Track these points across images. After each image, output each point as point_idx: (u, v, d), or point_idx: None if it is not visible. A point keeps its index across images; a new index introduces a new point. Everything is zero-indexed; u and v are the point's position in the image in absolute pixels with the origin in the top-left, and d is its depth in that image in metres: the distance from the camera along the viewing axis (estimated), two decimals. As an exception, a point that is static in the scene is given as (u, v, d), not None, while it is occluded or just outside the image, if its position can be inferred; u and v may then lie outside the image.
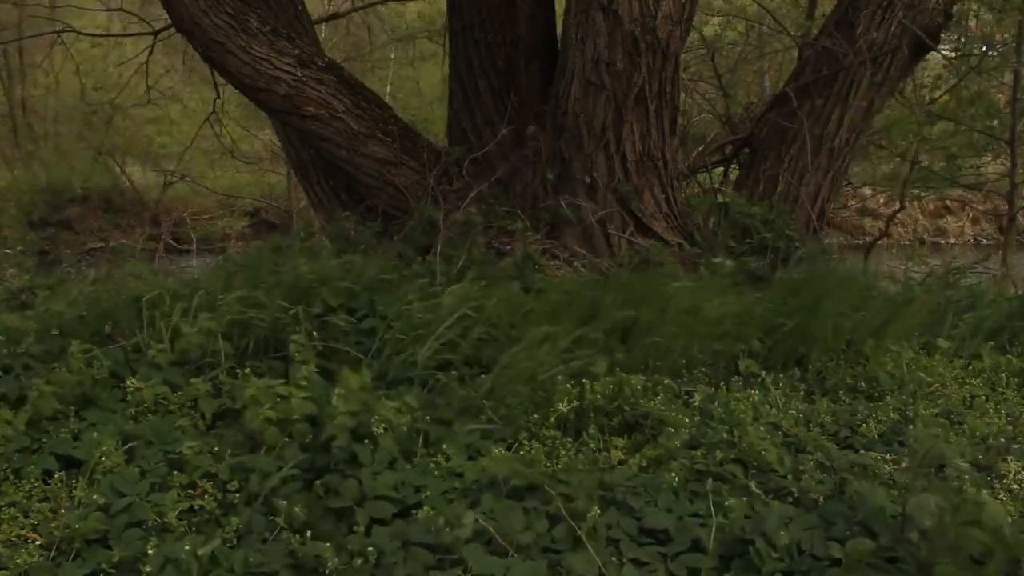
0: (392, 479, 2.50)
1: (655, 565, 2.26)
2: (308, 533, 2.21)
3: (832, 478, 2.83)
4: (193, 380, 3.02)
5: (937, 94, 10.31)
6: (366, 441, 2.63)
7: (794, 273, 4.80)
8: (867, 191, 14.36)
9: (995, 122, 10.42)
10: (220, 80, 6.93)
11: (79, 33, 8.93)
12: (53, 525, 2.26)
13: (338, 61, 6.34)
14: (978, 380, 4.04)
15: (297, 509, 2.31)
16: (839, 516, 2.46)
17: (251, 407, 2.66)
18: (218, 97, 7.88)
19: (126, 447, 2.63)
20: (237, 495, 2.45)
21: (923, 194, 12.76)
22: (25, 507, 2.39)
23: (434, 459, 2.73)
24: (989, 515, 2.07)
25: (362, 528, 2.26)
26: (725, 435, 2.99)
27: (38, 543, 2.22)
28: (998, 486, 2.86)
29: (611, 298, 3.87)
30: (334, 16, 10.42)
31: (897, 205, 11.48)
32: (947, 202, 18.70)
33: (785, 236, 5.41)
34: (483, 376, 3.24)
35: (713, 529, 2.35)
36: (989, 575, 2.01)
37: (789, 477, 2.80)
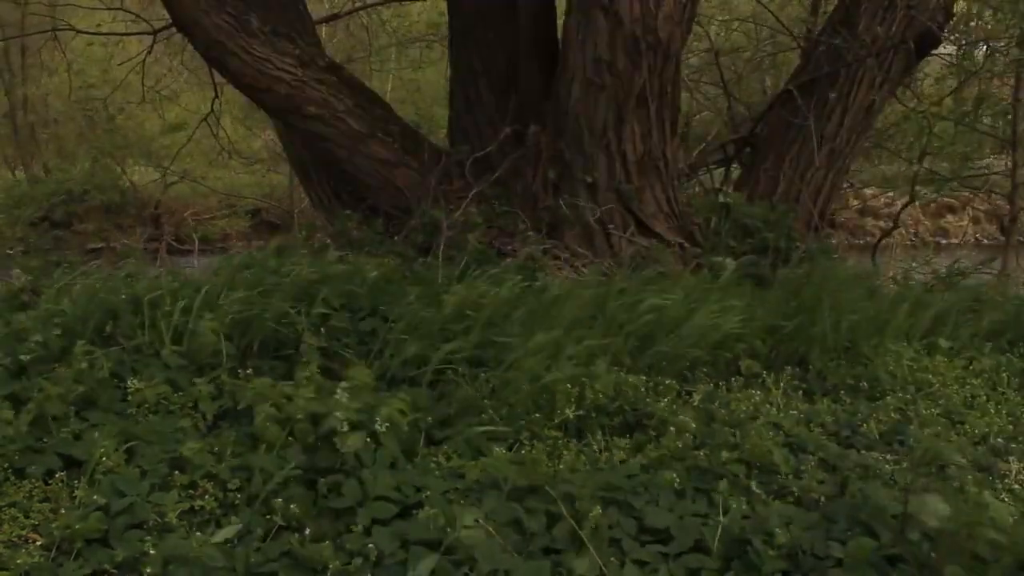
0: (394, 479, 2.50)
1: (656, 565, 2.25)
2: (307, 532, 2.21)
3: (833, 478, 2.83)
4: (195, 380, 3.01)
5: (939, 96, 10.27)
6: (368, 440, 2.63)
7: (795, 273, 4.79)
8: (868, 191, 14.31)
9: (998, 122, 10.40)
10: (219, 80, 6.92)
11: (77, 31, 8.91)
12: (54, 525, 2.26)
13: (340, 62, 6.33)
14: (979, 380, 4.03)
15: (297, 508, 2.31)
16: (841, 516, 2.45)
17: (257, 407, 2.66)
18: (216, 97, 7.87)
19: (127, 447, 2.63)
20: (239, 495, 2.45)
21: (935, 195, 12.68)
22: (26, 507, 2.39)
23: (435, 459, 2.73)
24: (993, 515, 2.06)
25: (360, 528, 2.26)
26: (727, 435, 2.98)
27: (39, 543, 2.22)
28: (999, 486, 2.86)
29: (613, 302, 3.86)
30: (334, 17, 10.39)
31: (900, 203, 11.44)
32: (949, 201, 18.66)
33: (786, 236, 5.41)
34: (485, 377, 3.23)
35: (718, 530, 2.34)
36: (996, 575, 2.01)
37: (790, 477, 2.80)
